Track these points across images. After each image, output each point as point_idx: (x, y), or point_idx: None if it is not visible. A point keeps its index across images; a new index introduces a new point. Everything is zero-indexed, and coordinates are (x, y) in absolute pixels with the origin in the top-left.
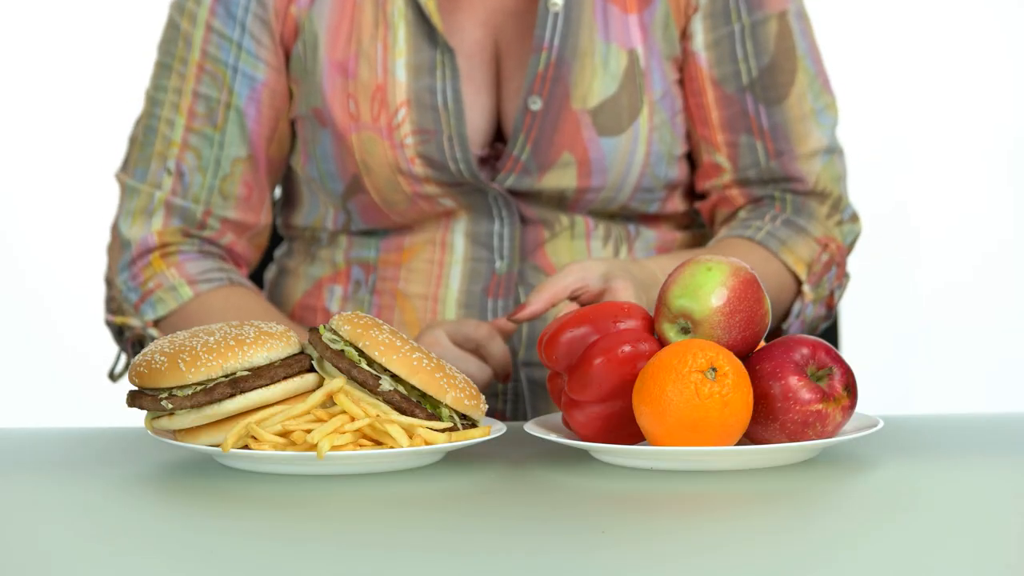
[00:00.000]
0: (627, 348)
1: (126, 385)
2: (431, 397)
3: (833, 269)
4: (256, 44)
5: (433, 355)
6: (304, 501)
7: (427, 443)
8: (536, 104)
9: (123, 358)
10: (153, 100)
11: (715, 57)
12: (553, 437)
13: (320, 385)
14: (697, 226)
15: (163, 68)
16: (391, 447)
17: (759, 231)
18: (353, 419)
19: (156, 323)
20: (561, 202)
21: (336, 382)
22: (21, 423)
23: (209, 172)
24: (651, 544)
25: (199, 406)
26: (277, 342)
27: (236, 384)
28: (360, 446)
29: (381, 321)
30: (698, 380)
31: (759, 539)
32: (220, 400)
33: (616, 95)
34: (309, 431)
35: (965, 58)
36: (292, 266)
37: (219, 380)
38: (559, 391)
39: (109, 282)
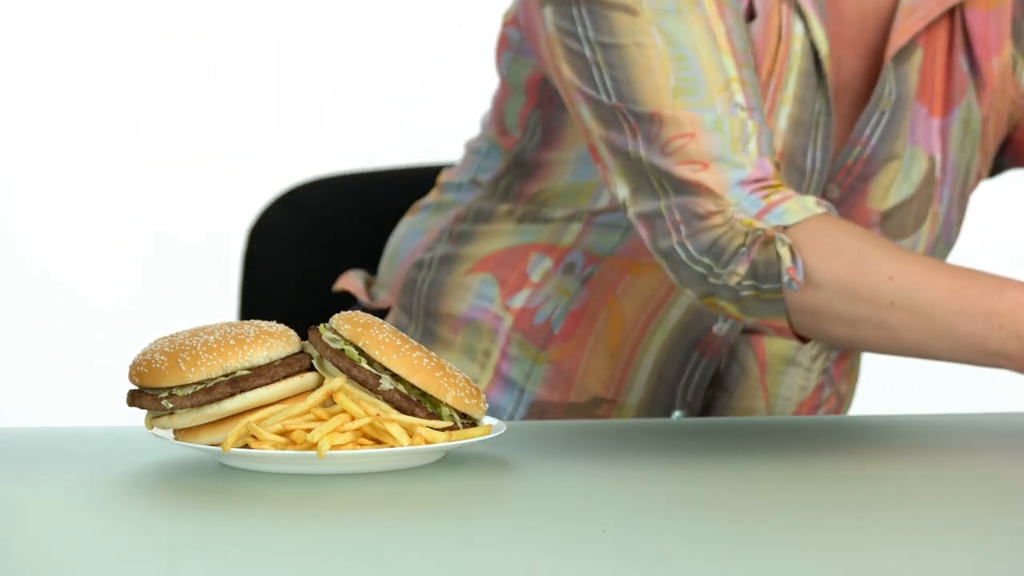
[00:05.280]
0: None
1: (127, 384)
2: (431, 396)
3: None
4: None
5: (433, 354)
6: (304, 501)
7: (427, 442)
8: (833, 193)
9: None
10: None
11: None
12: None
13: (320, 384)
14: None
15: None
16: (391, 446)
17: None
18: (353, 418)
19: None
20: None
21: (336, 381)
22: (21, 423)
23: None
24: (651, 544)
25: (199, 405)
26: (277, 341)
27: (236, 383)
28: (360, 445)
29: (381, 321)
30: None
31: (759, 539)
32: (220, 399)
33: (909, 200)
34: (309, 430)
35: None
36: (494, 214)
37: (219, 379)
38: None
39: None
